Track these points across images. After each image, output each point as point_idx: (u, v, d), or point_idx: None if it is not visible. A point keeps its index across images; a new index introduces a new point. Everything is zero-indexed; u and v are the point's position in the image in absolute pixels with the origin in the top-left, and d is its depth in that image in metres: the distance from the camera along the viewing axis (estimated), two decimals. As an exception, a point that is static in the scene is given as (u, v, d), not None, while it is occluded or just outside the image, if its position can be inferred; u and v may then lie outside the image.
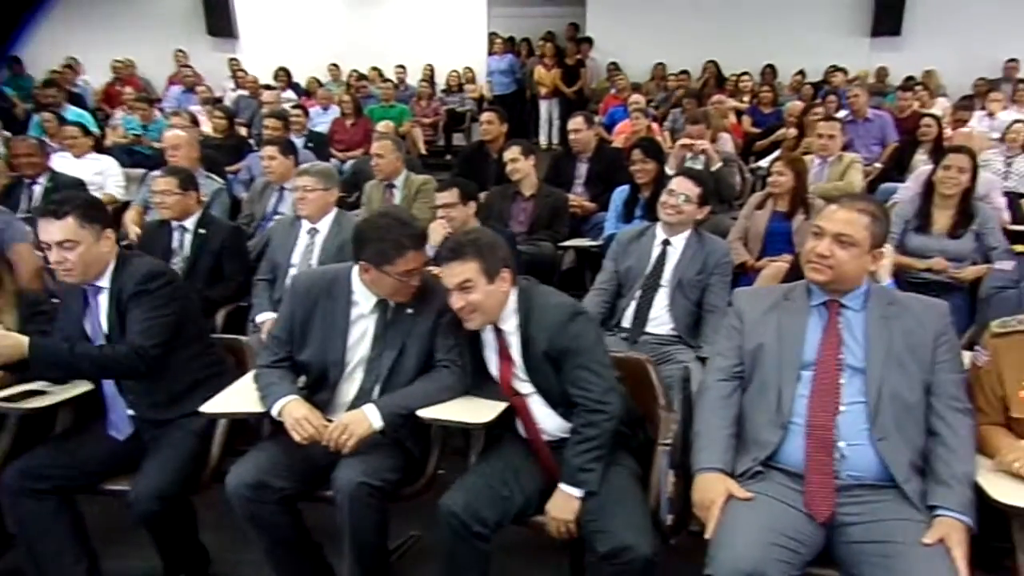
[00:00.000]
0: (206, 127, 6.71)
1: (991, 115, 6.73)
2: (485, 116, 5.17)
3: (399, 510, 2.27)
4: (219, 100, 8.64)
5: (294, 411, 2.04)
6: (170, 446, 2.19)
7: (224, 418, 2.23)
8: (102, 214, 2.27)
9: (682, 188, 2.95)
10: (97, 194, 4.39)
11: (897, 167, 5.43)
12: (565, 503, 1.97)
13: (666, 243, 3.00)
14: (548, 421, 2.13)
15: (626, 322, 2.98)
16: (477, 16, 10.81)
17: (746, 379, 1.94)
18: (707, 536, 1.73)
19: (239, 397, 2.22)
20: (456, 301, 2.01)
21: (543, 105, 10.06)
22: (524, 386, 2.12)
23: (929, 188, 3.46)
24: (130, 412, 2.29)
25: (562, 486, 1.98)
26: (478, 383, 2.19)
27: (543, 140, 9.99)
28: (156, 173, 3.54)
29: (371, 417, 2.04)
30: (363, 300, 2.19)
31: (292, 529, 2.11)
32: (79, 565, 2.14)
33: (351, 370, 2.20)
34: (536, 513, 2.05)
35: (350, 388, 2.20)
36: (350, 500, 1.97)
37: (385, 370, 2.17)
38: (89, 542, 2.19)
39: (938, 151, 4.35)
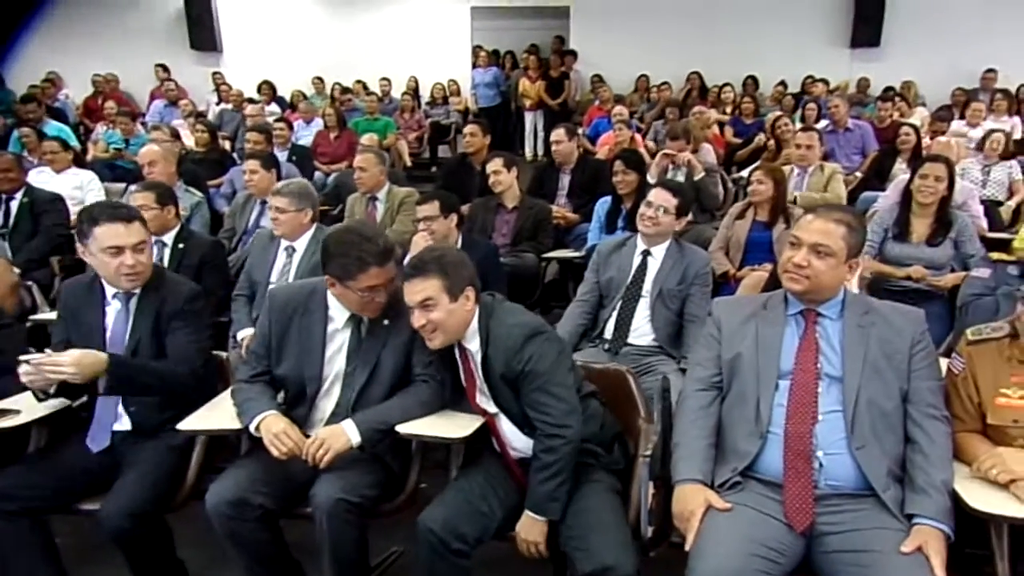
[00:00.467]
0: (189, 141, 6.69)
1: (973, 126, 6.81)
2: (468, 128, 5.18)
3: (381, 525, 2.25)
4: (202, 114, 8.60)
5: (272, 426, 2.02)
6: (146, 462, 2.16)
7: (201, 435, 2.20)
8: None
9: (659, 199, 2.96)
10: (77, 208, 4.35)
11: (877, 176, 5.48)
12: (532, 526, 1.96)
13: (646, 253, 3.00)
14: (517, 439, 2.11)
15: (608, 333, 2.98)
16: (461, 29, 10.89)
17: (724, 389, 1.95)
18: (687, 548, 1.72)
19: (217, 413, 2.20)
20: (417, 319, 1.98)
21: (528, 117, 10.10)
22: (489, 405, 2.10)
23: (907, 197, 3.50)
24: (116, 428, 2.26)
25: (527, 511, 1.96)
26: (457, 398, 2.18)
27: (528, 152, 10.04)
28: (134, 188, 3.52)
29: (349, 432, 2.02)
30: (337, 315, 2.18)
31: (272, 546, 2.08)
32: (50, 586, 2.10)
33: (329, 385, 2.18)
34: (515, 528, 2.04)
35: (328, 403, 2.18)
36: (328, 517, 1.94)
37: (360, 385, 2.15)
38: (60, 563, 2.15)
39: (917, 160, 4.38)
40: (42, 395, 2.18)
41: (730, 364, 1.93)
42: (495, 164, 4.11)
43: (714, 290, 3.75)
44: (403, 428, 2.06)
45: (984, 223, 4.25)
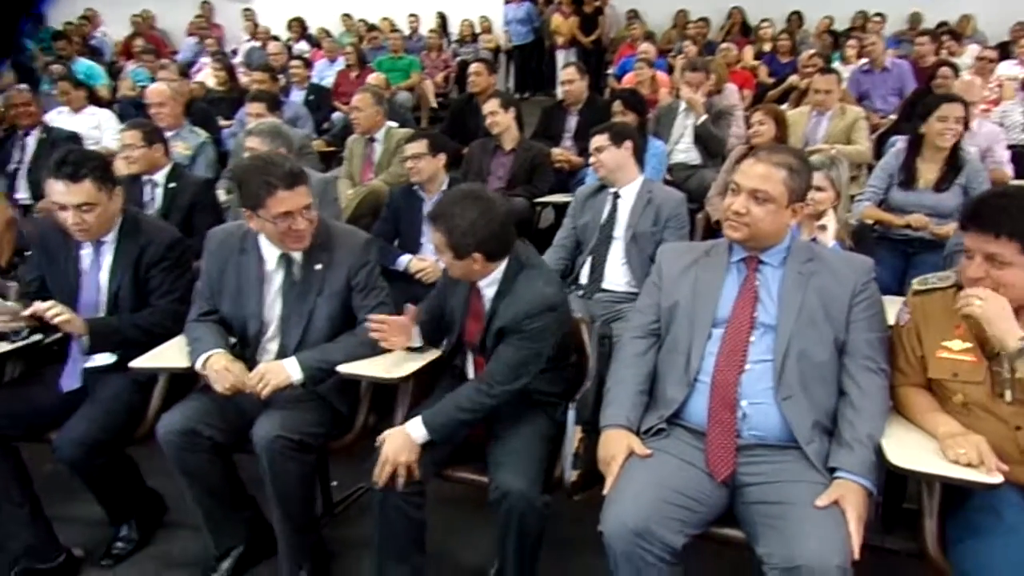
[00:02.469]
0: (211, 80, 6.73)
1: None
2: (473, 67, 5.05)
3: (349, 463, 2.28)
4: (223, 53, 8.58)
5: (215, 363, 2.06)
6: (106, 394, 2.23)
7: (153, 373, 2.25)
8: (112, 174, 2.31)
9: (593, 144, 2.93)
10: (94, 147, 4.44)
11: (908, 120, 5.16)
12: (404, 441, 1.89)
13: (616, 196, 2.93)
14: None
15: (583, 279, 2.94)
16: (495, -37, 10.56)
17: (662, 336, 1.91)
18: (605, 492, 1.71)
19: (173, 351, 2.24)
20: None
21: (560, 55, 9.82)
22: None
23: (915, 140, 3.29)
24: (88, 365, 2.33)
25: (412, 421, 1.92)
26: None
27: (559, 92, 9.78)
28: (122, 127, 3.56)
29: (290, 369, 2.05)
30: (269, 255, 2.17)
31: (223, 479, 2.14)
32: (22, 509, 2.19)
33: (274, 329, 2.19)
34: (450, 465, 2.06)
35: (275, 346, 2.19)
36: (268, 453, 1.98)
37: (299, 328, 2.15)
38: (32, 487, 2.24)
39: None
40: (15, 337, 2.26)
41: (669, 311, 1.89)
42: (492, 104, 4.00)
43: (711, 236, 3.66)
44: (344, 368, 2.07)
45: (1009, 169, 3.99)
